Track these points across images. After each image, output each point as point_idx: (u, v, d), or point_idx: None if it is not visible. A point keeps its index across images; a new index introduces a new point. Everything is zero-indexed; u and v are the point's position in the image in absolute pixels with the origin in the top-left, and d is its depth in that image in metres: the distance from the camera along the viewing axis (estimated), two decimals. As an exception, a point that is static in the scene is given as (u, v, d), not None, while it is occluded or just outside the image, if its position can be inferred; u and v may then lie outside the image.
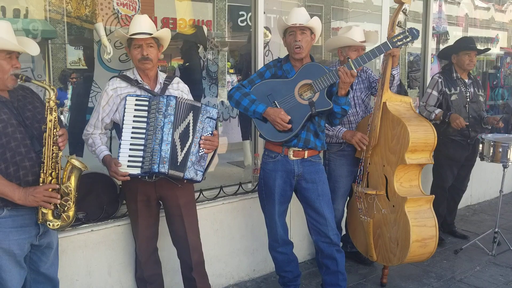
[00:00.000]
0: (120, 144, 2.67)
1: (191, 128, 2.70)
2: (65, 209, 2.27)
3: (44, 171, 2.23)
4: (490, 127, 4.39)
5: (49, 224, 2.26)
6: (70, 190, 2.27)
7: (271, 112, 2.94)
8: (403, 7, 3.25)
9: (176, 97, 2.68)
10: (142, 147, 2.65)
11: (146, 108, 2.68)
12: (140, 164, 2.64)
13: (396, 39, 2.98)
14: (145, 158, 2.64)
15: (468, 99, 4.24)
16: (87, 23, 3.79)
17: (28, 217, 2.26)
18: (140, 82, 2.79)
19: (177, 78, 2.95)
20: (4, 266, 2.22)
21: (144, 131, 2.66)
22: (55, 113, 2.26)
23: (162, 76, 2.88)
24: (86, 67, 3.96)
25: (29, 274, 2.39)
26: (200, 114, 2.72)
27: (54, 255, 2.47)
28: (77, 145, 3.70)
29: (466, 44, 4.27)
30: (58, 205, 2.26)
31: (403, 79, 5.79)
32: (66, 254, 2.85)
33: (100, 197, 3.04)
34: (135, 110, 2.67)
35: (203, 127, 2.74)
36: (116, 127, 2.86)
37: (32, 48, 2.35)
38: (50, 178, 2.24)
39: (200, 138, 2.73)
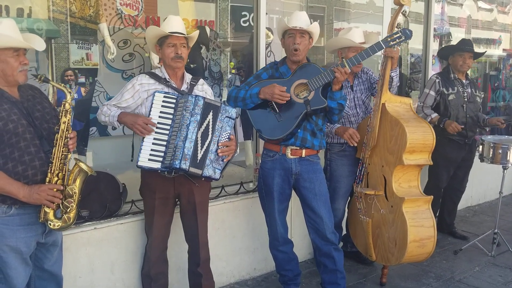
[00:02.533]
0: (143, 137, 2.73)
1: (210, 126, 2.74)
2: (67, 210, 2.31)
3: (52, 171, 2.27)
4: (488, 129, 4.41)
5: (49, 224, 2.29)
6: (74, 192, 2.31)
7: (266, 89, 2.97)
8: (403, 9, 3.28)
9: (204, 98, 2.74)
10: (164, 143, 2.71)
11: (173, 105, 2.74)
12: (161, 159, 2.69)
13: (389, 39, 3.05)
14: (167, 153, 2.69)
15: (466, 99, 4.27)
16: (90, 23, 3.83)
17: (35, 215, 2.29)
18: (168, 80, 2.86)
19: (201, 80, 3.03)
20: (10, 263, 2.26)
21: (168, 127, 2.72)
22: (69, 116, 2.30)
23: (188, 77, 2.95)
24: (89, 67, 4.01)
25: (34, 271, 2.43)
26: (220, 114, 2.77)
27: (58, 253, 2.51)
28: (80, 144, 3.75)
29: (461, 46, 4.31)
30: (60, 206, 2.30)
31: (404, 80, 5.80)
32: (69, 251, 2.89)
33: (103, 195, 3.08)
34: (162, 106, 2.74)
35: (222, 126, 2.78)
36: None
37: (38, 43, 2.37)
38: (56, 178, 2.28)
39: (220, 137, 2.76)
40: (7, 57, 2.22)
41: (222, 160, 2.79)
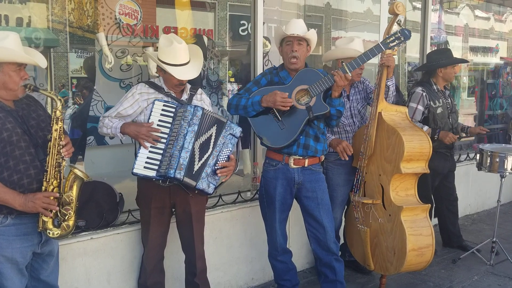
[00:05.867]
0: (140, 145, 2.72)
1: (212, 141, 2.75)
2: (66, 218, 2.29)
3: (47, 180, 2.26)
4: (464, 136, 4.41)
5: (49, 233, 2.28)
6: (71, 200, 2.30)
7: (268, 98, 2.96)
8: (398, 19, 3.29)
9: (203, 108, 2.74)
10: (161, 151, 2.71)
11: (172, 114, 2.74)
12: (156, 167, 2.69)
13: (388, 41, 3.05)
14: (162, 162, 2.69)
15: (449, 110, 4.24)
16: (89, 32, 3.84)
17: (31, 225, 2.28)
18: (167, 91, 2.87)
19: (200, 90, 3.03)
20: (6, 274, 2.24)
21: (166, 136, 2.72)
22: (60, 123, 2.29)
23: (187, 86, 2.95)
24: (87, 76, 4.01)
25: (30, 281, 2.41)
26: (224, 130, 2.78)
27: (54, 263, 2.50)
28: (78, 153, 3.74)
29: (452, 58, 4.27)
30: (58, 214, 2.29)
31: (402, 89, 5.82)
32: (66, 261, 2.88)
33: (100, 205, 3.08)
34: (161, 114, 2.74)
35: (224, 143, 2.78)
36: None
37: (41, 60, 2.38)
38: (52, 186, 2.27)
39: (220, 153, 2.76)
40: (10, 71, 2.22)
41: (219, 177, 2.79)
